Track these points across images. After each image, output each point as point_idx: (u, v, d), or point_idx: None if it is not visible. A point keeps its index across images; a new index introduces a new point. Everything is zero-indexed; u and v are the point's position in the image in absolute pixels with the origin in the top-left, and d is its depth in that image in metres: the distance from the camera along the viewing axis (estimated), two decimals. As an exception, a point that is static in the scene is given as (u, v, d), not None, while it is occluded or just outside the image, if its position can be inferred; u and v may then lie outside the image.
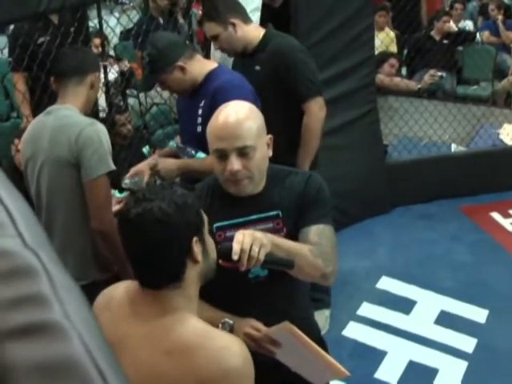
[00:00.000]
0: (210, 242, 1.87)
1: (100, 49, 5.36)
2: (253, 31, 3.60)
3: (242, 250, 1.86)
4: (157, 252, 1.74)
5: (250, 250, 1.87)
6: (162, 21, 6.75)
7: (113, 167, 2.86)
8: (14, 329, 0.58)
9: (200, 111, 3.02)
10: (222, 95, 2.78)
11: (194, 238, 1.77)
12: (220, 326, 2.08)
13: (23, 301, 0.60)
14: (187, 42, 3.23)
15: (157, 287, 1.79)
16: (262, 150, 2.14)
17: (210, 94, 2.96)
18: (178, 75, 3.05)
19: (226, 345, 1.70)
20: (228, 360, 1.66)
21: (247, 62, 3.53)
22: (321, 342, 2.41)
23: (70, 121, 2.88)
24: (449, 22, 8.23)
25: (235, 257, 1.86)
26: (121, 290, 1.90)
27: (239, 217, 2.15)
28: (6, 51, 5.02)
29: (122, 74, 5.89)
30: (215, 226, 2.16)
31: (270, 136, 2.20)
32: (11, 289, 0.60)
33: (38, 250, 0.63)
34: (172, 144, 3.25)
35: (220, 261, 1.92)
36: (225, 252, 1.90)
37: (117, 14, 6.13)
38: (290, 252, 2.02)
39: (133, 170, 3.23)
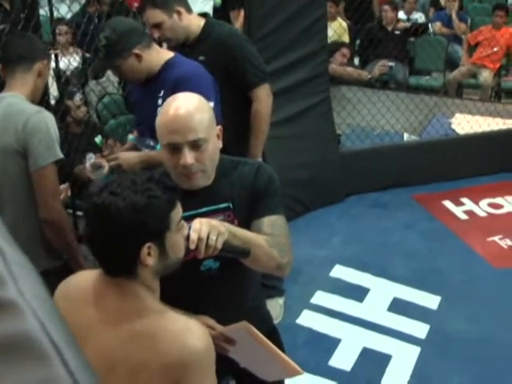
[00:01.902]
0: (173, 242, 1.81)
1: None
2: (195, 20, 3.55)
3: (199, 239, 1.85)
4: (106, 245, 1.74)
5: (208, 238, 1.86)
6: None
7: (60, 155, 2.83)
8: None
9: (160, 101, 2.94)
10: (185, 84, 2.71)
11: (147, 244, 1.73)
12: None
13: None
14: (146, 31, 3.17)
15: (112, 275, 1.79)
16: (214, 142, 2.11)
17: (171, 83, 2.90)
18: (133, 63, 3.00)
19: (187, 327, 1.71)
20: (190, 342, 1.67)
21: (189, 52, 3.44)
22: (273, 332, 2.42)
23: (16, 109, 2.83)
24: (391, 11, 8.17)
25: (192, 246, 1.85)
26: (80, 279, 1.90)
27: (190, 210, 2.08)
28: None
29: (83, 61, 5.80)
30: None
31: (219, 127, 2.18)
32: None
33: None
34: (131, 138, 3.19)
35: None
36: None
37: (68, 2, 6.04)
38: (247, 241, 2.01)
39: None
